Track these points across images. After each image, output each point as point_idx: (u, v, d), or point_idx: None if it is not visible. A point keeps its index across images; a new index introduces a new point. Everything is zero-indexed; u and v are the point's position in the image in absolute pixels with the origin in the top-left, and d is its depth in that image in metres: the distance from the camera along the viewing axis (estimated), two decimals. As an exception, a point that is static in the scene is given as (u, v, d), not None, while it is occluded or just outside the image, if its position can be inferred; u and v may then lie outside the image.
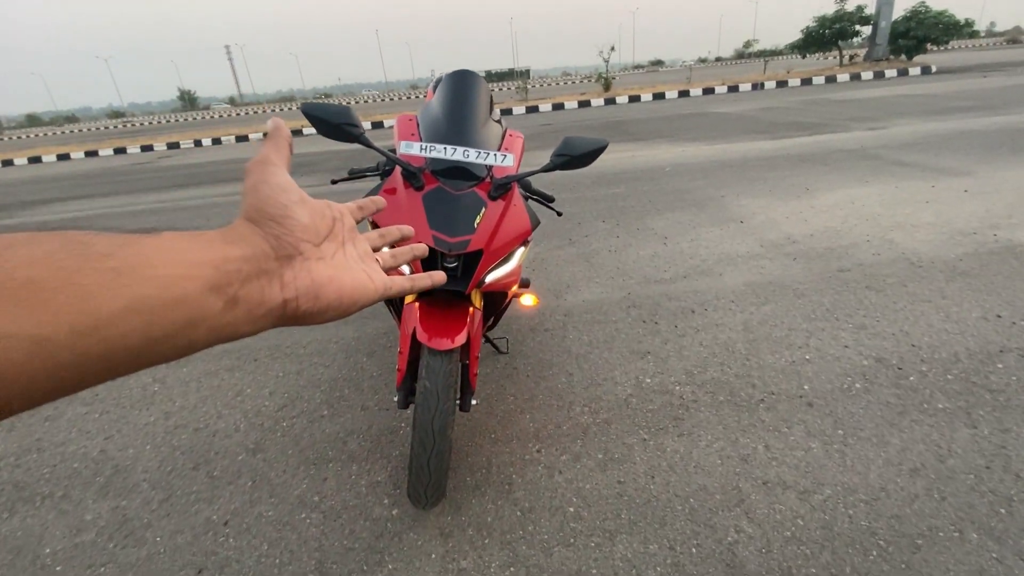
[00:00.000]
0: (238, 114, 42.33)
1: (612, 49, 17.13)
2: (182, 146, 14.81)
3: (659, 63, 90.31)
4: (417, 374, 1.29)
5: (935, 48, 16.64)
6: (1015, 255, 2.74)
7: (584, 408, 1.83)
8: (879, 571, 1.18)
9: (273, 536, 1.43)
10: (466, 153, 1.21)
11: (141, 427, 1.95)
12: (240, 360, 2.37)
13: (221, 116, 40.52)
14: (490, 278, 1.27)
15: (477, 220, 1.21)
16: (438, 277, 0.42)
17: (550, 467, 1.58)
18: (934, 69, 15.43)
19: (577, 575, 1.24)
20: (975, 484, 1.37)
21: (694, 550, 1.27)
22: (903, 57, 16.72)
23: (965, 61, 19.28)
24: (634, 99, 15.47)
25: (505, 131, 1.49)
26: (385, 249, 0.42)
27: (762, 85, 15.33)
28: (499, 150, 1.34)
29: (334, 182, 1.73)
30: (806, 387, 1.84)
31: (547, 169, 1.29)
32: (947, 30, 15.92)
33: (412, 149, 1.22)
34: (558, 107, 15.65)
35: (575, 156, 1.26)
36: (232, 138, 15.07)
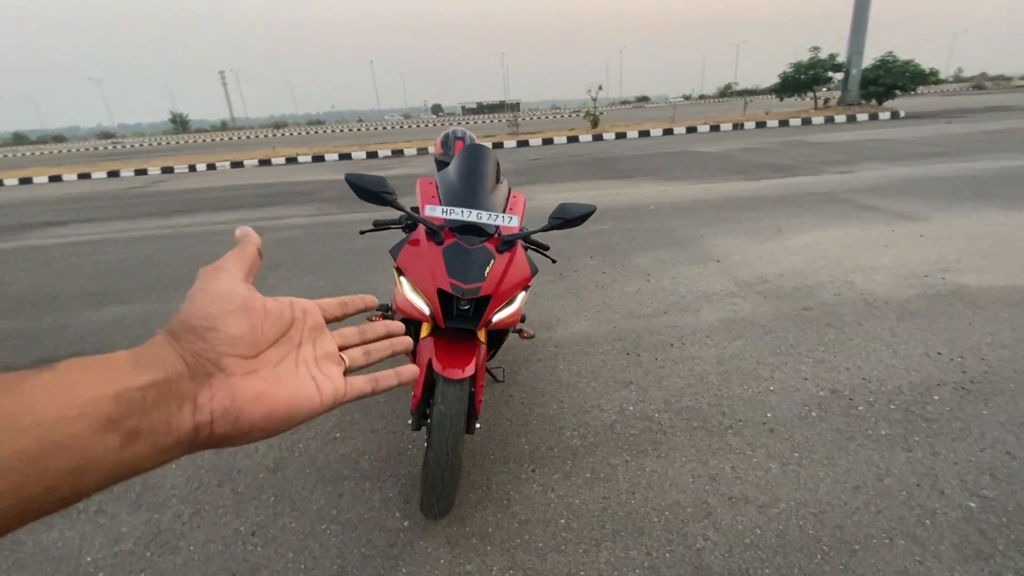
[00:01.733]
0: (231, 138, 42.73)
1: (600, 88, 17.93)
2: (176, 170, 15.00)
3: (645, 99, 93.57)
4: (429, 399, 1.51)
5: (902, 94, 17.69)
6: (959, 297, 3.05)
7: (574, 432, 2.05)
8: (822, 572, 1.39)
9: (297, 545, 1.60)
10: (479, 215, 1.46)
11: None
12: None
13: (214, 140, 40.86)
14: (496, 318, 1.50)
15: (487, 270, 1.45)
16: (406, 375, 0.39)
17: (544, 485, 1.78)
18: (902, 114, 16.37)
19: (568, 576, 1.43)
20: (906, 499, 1.61)
21: (668, 555, 1.48)
22: (874, 102, 17.73)
23: (932, 106, 20.45)
24: (620, 136, 16.10)
25: (509, 192, 1.75)
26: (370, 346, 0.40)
27: (742, 125, 16.09)
28: (505, 211, 1.60)
29: (362, 232, 1.97)
30: (769, 415, 2.08)
31: (544, 229, 1.55)
32: (914, 78, 17.00)
33: (436, 212, 1.47)
34: (548, 142, 16.21)
35: (568, 219, 1.52)
36: (228, 164, 15.32)
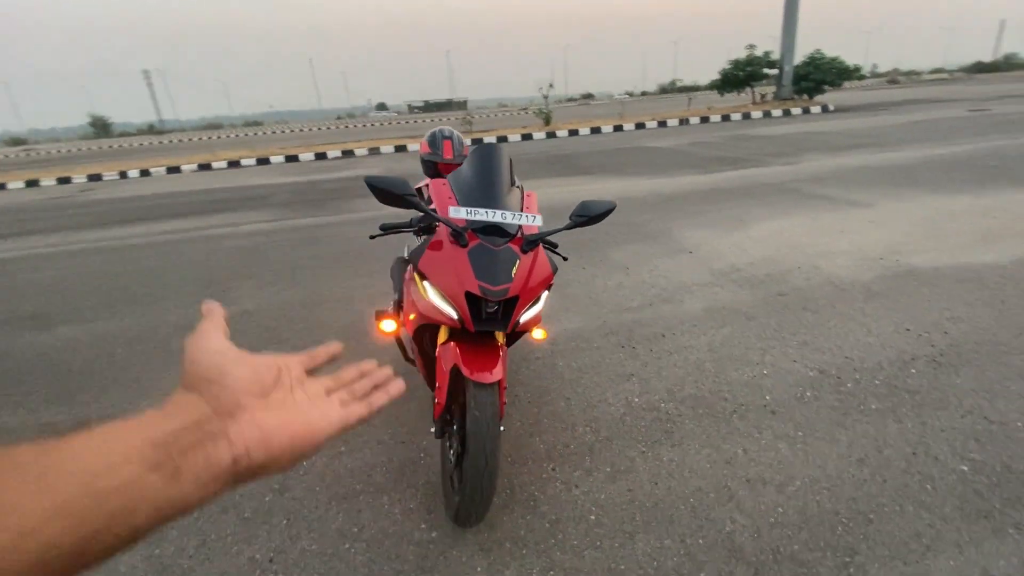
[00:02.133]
0: (162, 142, 40.11)
1: (551, 86, 18.10)
2: (105, 177, 13.92)
3: (590, 96, 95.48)
4: (451, 406, 1.48)
5: (830, 89, 18.91)
6: (914, 277, 3.30)
7: (586, 428, 2.06)
8: (845, 543, 1.47)
9: (322, 568, 1.53)
10: (503, 215, 1.43)
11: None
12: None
13: (142, 145, 38.21)
14: (523, 318, 1.48)
15: (514, 271, 1.43)
16: (394, 390, 0.43)
17: (567, 482, 1.78)
18: (831, 108, 17.49)
19: (609, 572, 1.44)
20: (906, 468, 1.72)
21: (700, 541, 1.52)
22: (806, 97, 18.86)
23: (856, 100, 21.95)
24: (573, 133, 16.33)
25: (523, 191, 1.73)
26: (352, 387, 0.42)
27: (688, 121, 16.70)
28: (522, 209, 1.58)
29: (372, 237, 1.89)
30: (768, 397, 2.17)
31: (568, 228, 1.54)
32: (840, 74, 18.21)
33: (460, 213, 1.43)
34: (502, 139, 16.22)
35: (591, 216, 1.52)
36: (163, 169, 14.38)
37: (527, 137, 16.24)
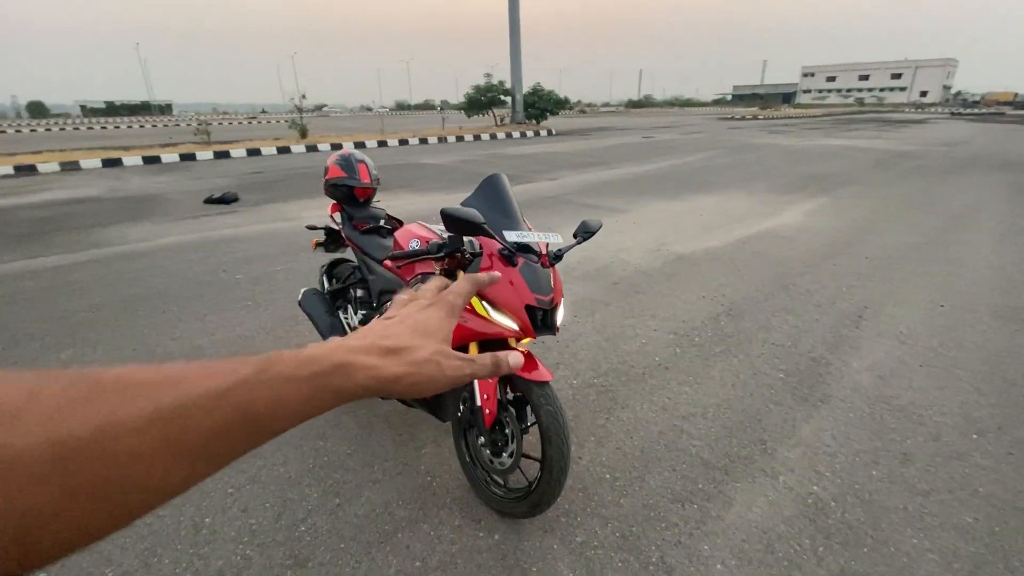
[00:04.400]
0: None
1: (304, 96, 17.04)
2: None
3: (322, 107, 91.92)
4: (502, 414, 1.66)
5: (550, 116, 23.08)
6: (683, 261, 4.63)
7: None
8: (756, 436, 2.20)
9: (412, 608, 1.48)
10: (547, 236, 1.66)
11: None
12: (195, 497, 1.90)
13: None
14: (558, 321, 1.74)
15: (551, 282, 1.67)
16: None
17: (572, 458, 2.09)
18: (554, 132, 21.34)
19: (645, 507, 1.83)
20: (755, 382, 2.61)
21: (684, 464, 2.04)
22: (534, 121, 22.52)
23: (567, 126, 27.18)
24: (336, 147, 15.77)
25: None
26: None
27: (446, 139, 18.01)
28: (528, 230, 1.81)
29: (409, 278, 1.82)
30: (657, 359, 2.89)
31: (578, 243, 1.85)
32: (557, 104, 22.36)
33: (512, 236, 1.59)
34: (254, 152, 14.56)
35: (592, 232, 1.87)
36: None
37: (284, 150, 14.98)
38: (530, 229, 1.85)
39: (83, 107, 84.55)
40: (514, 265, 1.63)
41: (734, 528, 1.75)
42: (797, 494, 1.89)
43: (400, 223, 2.47)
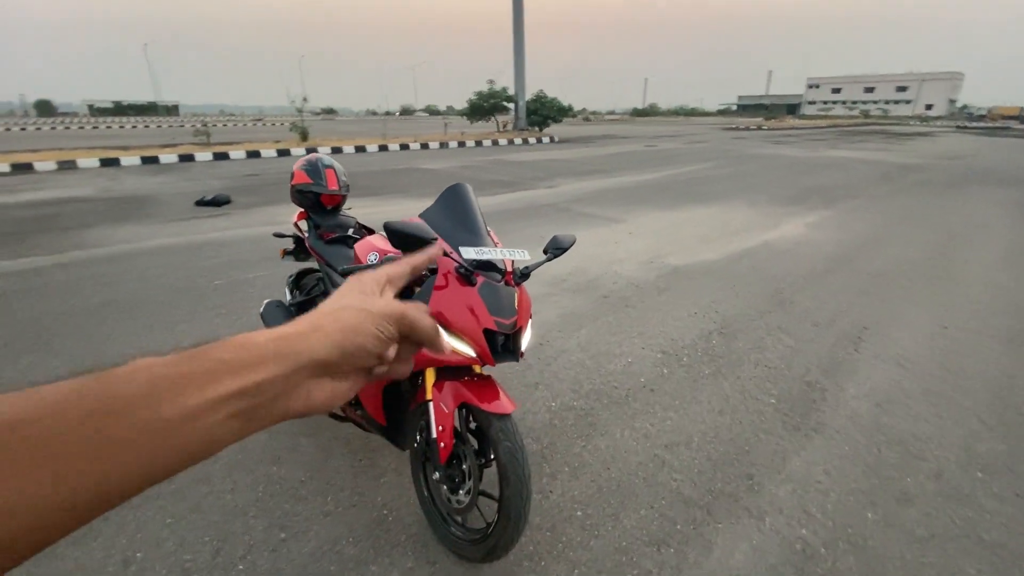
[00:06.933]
0: None
1: (305, 100, 17.01)
2: None
3: (332, 111, 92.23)
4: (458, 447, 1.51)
5: (553, 123, 23.02)
6: (677, 274, 4.48)
7: (528, 439, 2.23)
8: (744, 471, 2.04)
9: (347, 667, 1.33)
10: (511, 252, 1.51)
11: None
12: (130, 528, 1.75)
13: None
14: (523, 346, 1.59)
15: (515, 304, 1.53)
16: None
17: (541, 492, 1.93)
18: (556, 139, 21.26)
19: (617, 551, 1.67)
20: (744, 408, 2.45)
21: (663, 501, 1.88)
22: (537, 128, 22.47)
23: (569, 133, 27.12)
24: (336, 151, 15.73)
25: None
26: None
27: (447, 144, 17.95)
28: (494, 245, 1.67)
29: (344, 272, 1.66)
30: (642, 380, 2.73)
31: (547, 260, 1.70)
32: (560, 111, 22.30)
33: (470, 253, 1.45)
34: (254, 154, 14.53)
35: (564, 248, 1.72)
36: None
37: (284, 153, 14.94)
38: (496, 244, 1.71)
39: (90, 107, 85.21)
40: (472, 285, 1.48)
41: (713, 577, 1.59)
42: (784, 538, 1.73)
43: (371, 232, 2.34)
